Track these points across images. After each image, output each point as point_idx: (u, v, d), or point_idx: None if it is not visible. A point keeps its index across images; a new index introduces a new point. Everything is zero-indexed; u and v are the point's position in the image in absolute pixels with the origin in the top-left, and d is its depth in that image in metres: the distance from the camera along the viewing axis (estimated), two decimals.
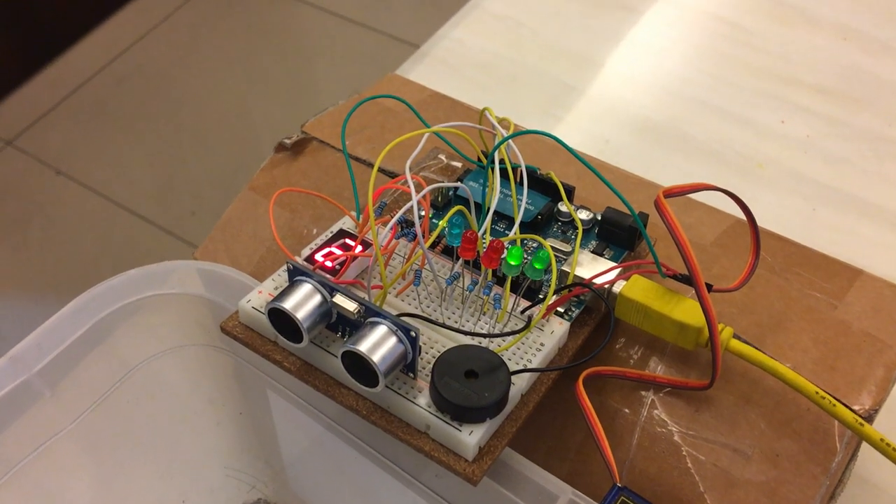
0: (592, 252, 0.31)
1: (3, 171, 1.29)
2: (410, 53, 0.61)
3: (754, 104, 0.55)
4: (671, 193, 0.28)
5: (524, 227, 0.32)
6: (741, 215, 0.35)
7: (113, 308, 0.32)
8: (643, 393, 0.30)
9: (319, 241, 0.30)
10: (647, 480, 0.29)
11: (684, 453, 0.29)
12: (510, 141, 0.31)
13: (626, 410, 0.30)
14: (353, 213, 0.31)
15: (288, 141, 0.38)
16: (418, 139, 0.30)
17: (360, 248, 0.29)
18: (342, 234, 0.30)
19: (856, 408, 0.29)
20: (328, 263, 0.29)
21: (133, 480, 0.35)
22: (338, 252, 0.29)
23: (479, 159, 0.34)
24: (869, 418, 0.29)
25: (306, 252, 0.30)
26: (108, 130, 1.32)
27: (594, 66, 0.58)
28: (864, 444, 0.29)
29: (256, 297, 0.29)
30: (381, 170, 0.38)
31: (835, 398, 0.27)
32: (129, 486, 0.35)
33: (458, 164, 0.36)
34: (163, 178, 1.25)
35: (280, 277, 0.30)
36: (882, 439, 0.26)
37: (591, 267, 0.29)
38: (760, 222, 0.31)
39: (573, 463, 0.30)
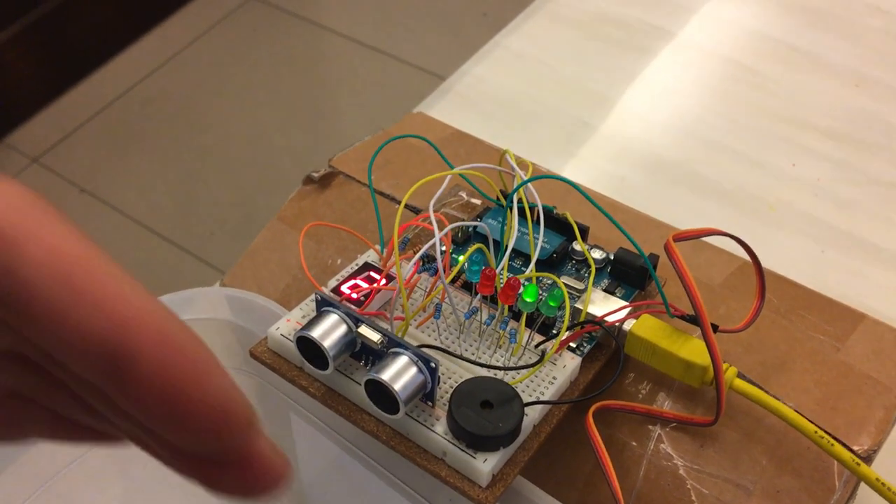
0: (604, 290, 0.33)
1: (29, 187, 1.32)
2: (433, 83, 0.62)
3: (766, 146, 0.56)
4: (681, 238, 0.30)
5: (540, 264, 0.33)
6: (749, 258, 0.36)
7: None
8: (650, 427, 0.31)
9: (345, 272, 0.32)
10: None
11: (689, 486, 0.30)
12: (528, 183, 0.33)
13: (634, 443, 0.31)
14: (378, 247, 0.33)
15: (316, 174, 0.40)
16: (441, 178, 0.32)
17: (384, 281, 0.31)
18: (367, 267, 0.32)
19: (855, 448, 0.30)
20: (353, 295, 0.30)
21: (157, 499, 0.37)
22: (363, 284, 0.30)
23: (498, 198, 0.36)
24: (868, 459, 0.30)
25: (332, 283, 0.32)
26: (132, 151, 1.35)
27: (610, 105, 0.59)
28: (863, 484, 0.30)
29: (285, 325, 0.30)
30: (407, 206, 0.39)
31: (833, 437, 0.28)
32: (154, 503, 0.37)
33: (478, 202, 0.38)
34: (184, 199, 1.28)
35: (307, 307, 0.31)
36: (878, 479, 0.27)
37: (603, 305, 0.31)
38: (770, 263, 0.33)
39: (581, 493, 0.32)
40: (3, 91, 1.40)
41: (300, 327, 0.28)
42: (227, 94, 1.42)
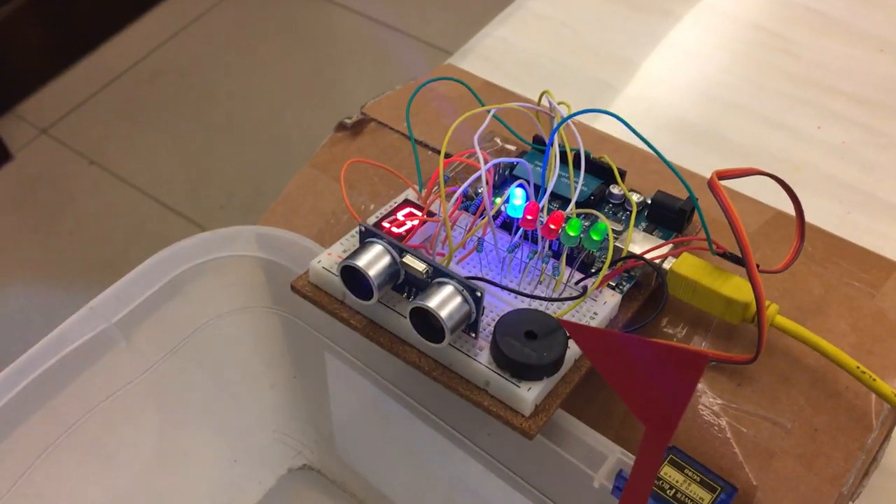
0: (642, 229, 0.33)
1: (38, 158, 1.32)
2: (440, 58, 0.62)
3: (791, 110, 0.56)
4: (725, 176, 0.30)
5: (577, 207, 0.33)
6: (783, 208, 0.36)
7: (185, 267, 0.33)
8: None
9: (384, 210, 0.32)
10: (689, 449, 0.30)
11: (725, 424, 0.30)
12: (570, 123, 0.32)
13: None
14: (416, 186, 0.33)
15: (348, 121, 0.40)
16: (478, 120, 0.31)
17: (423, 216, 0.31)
18: (407, 203, 0.32)
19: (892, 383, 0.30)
20: (395, 230, 0.30)
21: (191, 434, 0.37)
22: (403, 219, 0.30)
23: (534, 142, 0.36)
24: None
25: (373, 219, 0.32)
26: (141, 123, 1.34)
27: (634, 68, 0.59)
28: None
29: (326, 259, 0.30)
30: (435, 150, 0.39)
31: (874, 374, 0.28)
32: (188, 439, 0.37)
33: (513, 148, 0.38)
34: (193, 171, 1.28)
35: (348, 241, 0.31)
36: None
37: (644, 244, 0.31)
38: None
39: (618, 430, 0.32)
40: (13, 61, 1.40)
41: (345, 258, 0.28)
42: (237, 66, 1.41)
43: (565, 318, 0.29)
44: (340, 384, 0.36)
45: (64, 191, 1.26)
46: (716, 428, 0.30)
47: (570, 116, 0.30)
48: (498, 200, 0.32)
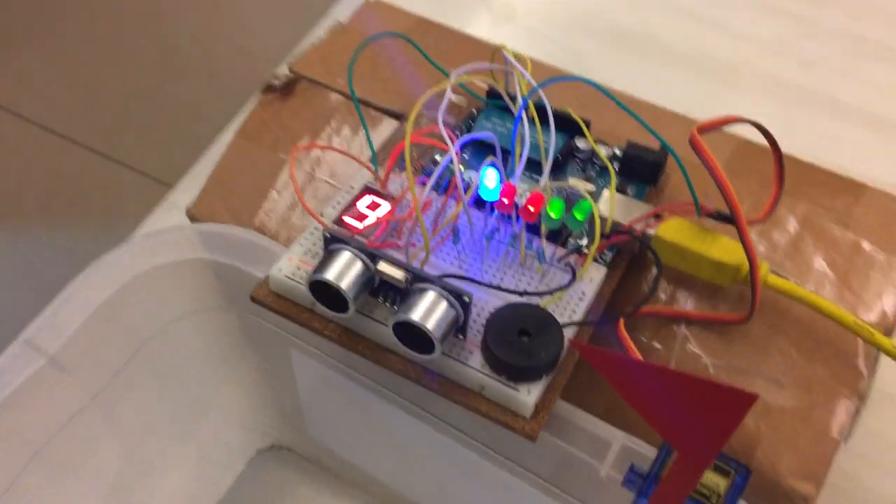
0: (616, 190, 0.31)
1: None
2: None
3: (725, 6, 0.54)
4: (705, 129, 0.28)
5: (538, 165, 0.31)
6: (747, 136, 0.35)
7: (124, 281, 0.30)
8: (675, 328, 0.31)
9: (341, 199, 0.29)
10: None
11: None
12: (522, 74, 0.30)
13: (659, 346, 0.30)
14: (371, 165, 0.30)
15: (277, 81, 0.36)
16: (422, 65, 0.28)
17: (386, 206, 0.28)
18: (367, 190, 0.29)
19: (873, 319, 0.30)
20: (358, 225, 0.28)
21: (155, 444, 0.35)
22: (368, 212, 0.28)
23: (490, 95, 0.33)
24: (889, 333, 0.30)
25: (330, 212, 0.29)
26: (15, 44, 1.23)
27: None
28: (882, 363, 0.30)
29: (287, 265, 0.28)
30: (379, 109, 0.36)
31: (872, 328, 0.28)
32: (152, 450, 0.35)
33: (463, 99, 0.35)
34: (82, 94, 1.19)
35: (308, 241, 0.28)
36: None
37: (624, 209, 0.29)
38: (739, 128, 0.30)
39: (608, 399, 0.31)
40: None
41: (312, 270, 0.26)
42: None
43: (553, 304, 0.27)
44: (308, 376, 0.34)
45: None
46: None
47: (546, 84, 0.27)
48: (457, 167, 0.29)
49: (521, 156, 0.28)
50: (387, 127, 0.36)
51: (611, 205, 0.28)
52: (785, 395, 0.29)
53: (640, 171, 0.31)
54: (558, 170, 0.32)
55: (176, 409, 0.35)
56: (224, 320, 0.34)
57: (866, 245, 0.33)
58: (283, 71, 0.37)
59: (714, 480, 0.25)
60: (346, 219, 0.28)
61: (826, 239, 0.33)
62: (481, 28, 0.47)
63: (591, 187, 0.31)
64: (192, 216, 0.36)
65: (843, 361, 0.30)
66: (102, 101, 1.17)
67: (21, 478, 0.29)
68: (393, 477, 0.38)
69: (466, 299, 0.25)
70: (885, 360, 0.30)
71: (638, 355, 0.28)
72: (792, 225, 0.33)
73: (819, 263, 0.32)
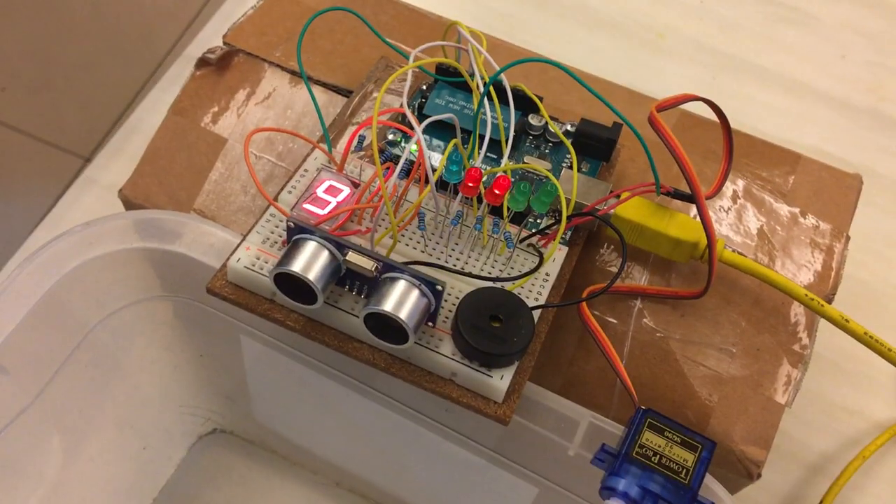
0: (568, 167, 0.31)
1: None
2: None
3: None
4: (663, 107, 0.28)
5: (496, 143, 0.31)
6: (687, 108, 0.35)
7: (60, 276, 0.28)
8: (630, 303, 0.31)
9: (297, 184, 0.28)
10: (641, 386, 0.30)
11: (675, 357, 0.30)
12: (477, 51, 0.29)
13: (615, 321, 0.31)
14: (325, 147, 0.29)
15: (211, 56, 0.35)
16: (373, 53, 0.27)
17: (346, 191, 0.27)
18: (324, 175, 0.28)
19: (812, 287, 0.31)
20: (319, 212, 0.27)
21: (96, 437, 0.33)
22: (328, 198, 0.27)
23: (440, 71, 0.32)
24: (828, 299, 0.32)
25: (286, 197, 0.28)
26: None
27: None
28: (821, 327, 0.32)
29: (245, 254, 0.27)
30: (324, 84, 0.35)
31: (822, 300, 0.29)
32: (93, 443, 0.33)
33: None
34: None
35: (265, 228, 0.27)
36: (866, 332, 0.28)
37: (583, 188, 0.29)
38: (664, 93, 0.31)
39: (566, 375, 0.31)
40: None
41: (277, 262, 0.25)
42: None
43: (519, 288, 0.27)
44: (259, 362, 0.33)
45: None
46: (666, 362, 0.30)
47: (511, 66, 0.26)
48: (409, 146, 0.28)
49: (482, 137, 0.27)
50: (330, 102, 0.34)
51: (573, 185, 0.28)
52: (736, 364, 0.30)
53: (594, 147, 0.31)
54: (514, 149, 0.31)
55: (116, 397, 0.34)
56: (167, 308, 0.32)
57: (803, 215, 0.34)
58: (217, 43, 0.35)
59: (683, 456, 0.26)
60: (307, 205, 0.27)
61: (766, 210, 0.34)
62: None
63: (548, 166, 0.31)
64: (126, 198, 0.34)
65: (787, 330, 0.31)
66: None
67: None
68: (344, 457, 0.37)
69: (439, 288, 0.24)
70: (821, 325, 0.32)
71: (606, 341, 0.28)
72: (734, 196, 0.34)
73: (761, 233, 0.33)
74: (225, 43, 0.35)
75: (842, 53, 0.53)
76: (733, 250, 0.31)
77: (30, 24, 1.12)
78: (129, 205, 0.34)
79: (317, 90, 0.35)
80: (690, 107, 0.35)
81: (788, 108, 0.50)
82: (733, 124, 0.34)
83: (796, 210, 0.34)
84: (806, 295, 0.28)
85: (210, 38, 0.48)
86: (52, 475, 0.31)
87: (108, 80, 0.98)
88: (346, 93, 0.34)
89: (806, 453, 0.40)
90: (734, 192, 0.34)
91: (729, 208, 0.33)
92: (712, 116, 0.33)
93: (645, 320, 0.31)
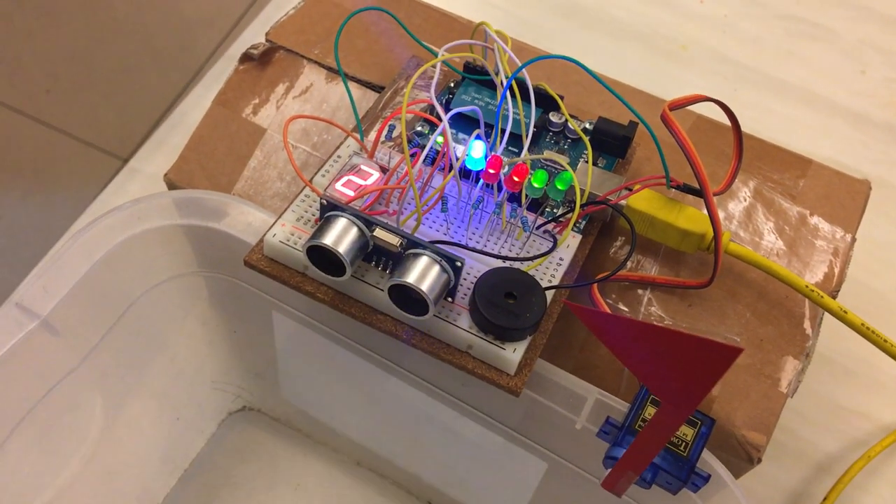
0: (585, 162, 0.33)
1: None
2: None
3: None
4: (675, 106, 0.30)
5: (517, 138, 0.33)
6: (704, 113, 0.37)
7: (109, 247, 0.31)
8: (639, 291, 0.33)
9: (330, 168, 0.30)
10: None
11: None
12: (503, 50, 0.31)
13: (625, 308, 0.33)
14: (357, 136, 0.31)
15: (255, 51, 0.37)
16: (396, 36, 0.29)
17: (375, 175, 0.29)
18: (358, 161, 0.30)
19: (814, 282, 0.33)
20: (350, 193, 0.29)
21: (134, 405, 0.36)
22: (359, 181, 0.29)
23: (467, 69, 0.34)
24: (833, 294, 0.33)
25: (319, 180, 0.30)
26: None
27: None
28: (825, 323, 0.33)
29: (281, 230, 0.29)
30: (356, 80, 0.37)
31: (822, 292, 0.30)
32: (131, 411, 0.35)
33: (439, 75, 0.36)
34: (4, 52, 1.14)
35: (300, 207, 0.29)
36: (863, 324, 0.30)
37: (598, 180, 0.31)
38: None
39: (577, 360, 0.33)
40: None
41: (310, 236, 0.27)
42: None
43: (533, 270, 0.29)
44: (289, 338, 0.35)
45: None
46: None
47: (530, 62, 0.28)
48: (440, 139, 0.30)
49: (504, 130, 0.29)
50: (363, 97, 0.37)
51: (588, 176, 0.30)
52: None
53: (610, 144, 0.33)
54: (533, 142, 0.33)
55: (154, 368, 0.36)
56: (204, 284, 0.35)
57: (811, 216, 0.35)
58: (260, 39, 0.38)
59: (683, 430, 0.27)
60: (339, 187, 0.29)
61: (775, 210, 0.35)
62: (440, 1, 0.48)
63: (566, 159, 0.33)
64: (170, 182, 0.36)
65: (791, 323, 0.33)
66: (24, 56, 1.13)
67: (10, 441, 0.30)
68: (365, 435, 0.39)
69: (458, 264, 0.26)
70: (825, 324, 0.33)
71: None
72: (745, 196, 0.35)
73: (769, 232, 0.35)
74: (267, 40, 0.38)
75: (861, 69, 0.54)
76: (739, 243, 0.33)
77: (73, 29, 1.16)
78: (174, 188, 0.36)
79: (351, 85, 0.37)
80: (706, 112, 0.36)
81: (806, 120, 0.51)
82: (752, 133, 0.36)
83: (805, 211, 0.35)
84: (806, 286, 0.30)
85: (250, 41, 0.50)
86: (94, 436, 0.34)
87: (148, 85, 1.02)
88: (378, 88, 0.37)
89: (812, 452, 0.41)
90: (745, 191, 0.35)
91: (739, 207, 0.35)
92: (727, 122, 0.35)
93: (653, 308, 0.32)
